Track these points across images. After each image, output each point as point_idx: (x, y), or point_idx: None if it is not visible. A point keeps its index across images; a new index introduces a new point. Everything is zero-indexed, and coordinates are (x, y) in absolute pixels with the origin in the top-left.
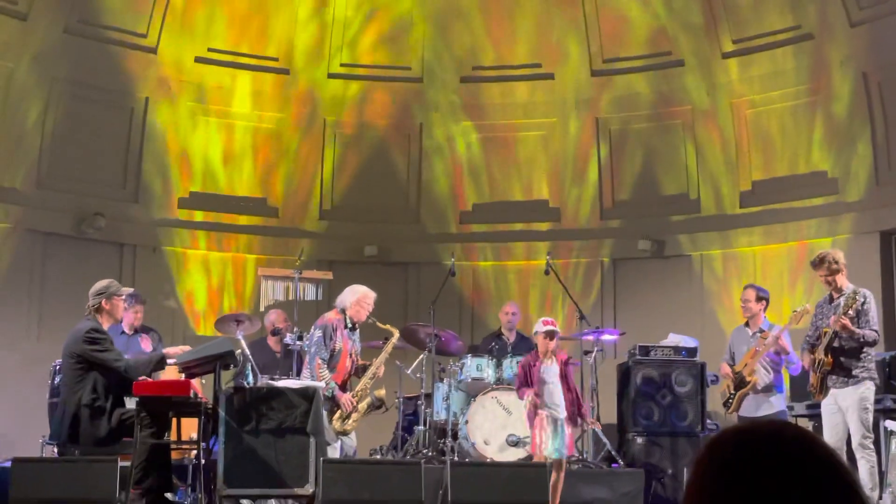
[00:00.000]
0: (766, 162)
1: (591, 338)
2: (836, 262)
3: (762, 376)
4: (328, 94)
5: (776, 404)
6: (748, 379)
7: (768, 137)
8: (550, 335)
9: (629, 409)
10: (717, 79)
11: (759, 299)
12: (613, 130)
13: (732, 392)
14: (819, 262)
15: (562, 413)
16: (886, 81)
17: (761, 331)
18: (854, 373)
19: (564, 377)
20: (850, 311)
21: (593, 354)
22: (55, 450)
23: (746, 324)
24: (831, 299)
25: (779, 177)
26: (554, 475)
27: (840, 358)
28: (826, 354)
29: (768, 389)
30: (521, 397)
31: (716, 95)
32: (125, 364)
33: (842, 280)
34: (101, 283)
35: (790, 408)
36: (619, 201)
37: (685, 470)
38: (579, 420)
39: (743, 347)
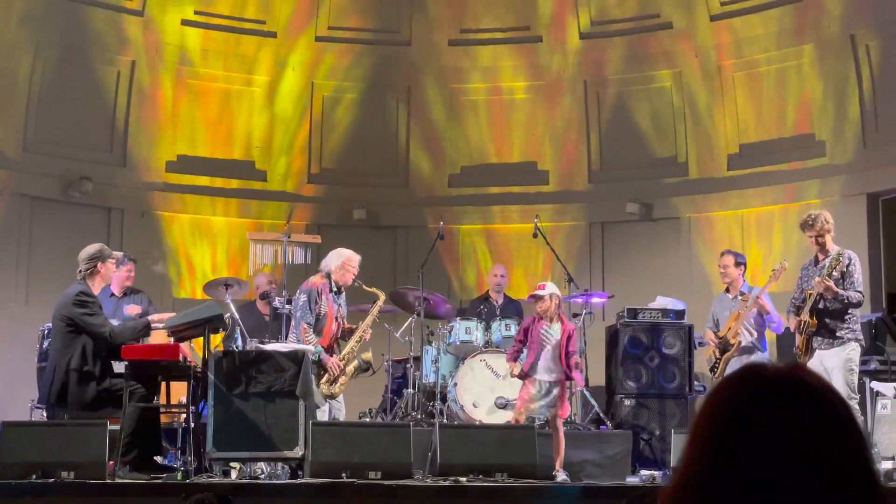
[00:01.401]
0: (754, 124)
1: (579, 300)
2: (828, 223)
3: (745, 337)
4: (316, 57)
5: None
6: (732, 342)
7: (756, 100)
8: (537, 298)
9: (617, 371)
10: (706, 41)
11: (737, 264)
12: (602, 93)
13: (718, 357)
14: (812, 223)
15: (552, 377)
16: (875, 44)
17: (742, 294)
18: (839, 334)
19: (567, 342)
20: (835, 273)
21: (581, 317)
22: (44, 413)
23: (727, 289)
24: (816, 261)
25: (766, 140)
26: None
27: (825, 319)
28: (811, 316)
29: (750, 350)
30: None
31: (704, 58)
32: (110, 330)
33: (829, 242)
34: (92, 248)
35: None
36: (607, 164)
37: (673, 431)
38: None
39: (725, 313)
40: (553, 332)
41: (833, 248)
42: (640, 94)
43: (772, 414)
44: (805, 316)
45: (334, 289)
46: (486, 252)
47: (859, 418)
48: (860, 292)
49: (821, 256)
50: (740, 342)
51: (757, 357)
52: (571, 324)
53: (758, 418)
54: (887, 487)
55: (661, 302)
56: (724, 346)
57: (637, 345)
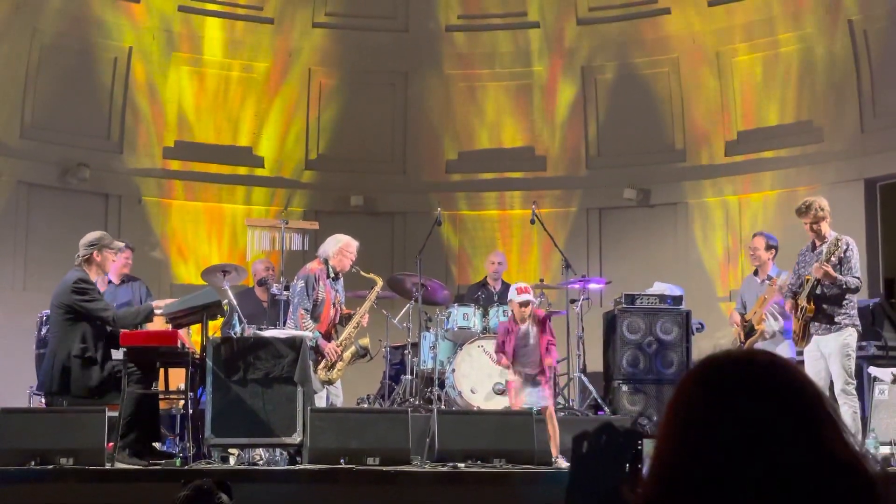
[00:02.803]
0: (752, 110)
1: (576, 286)
2: (822, 210)
3: (770, 323)
4: (313, 43)
5: (784, 352)
6: (757, 327)
7: (754, 86)
8: (525, 304)
9: (615, 357)
10: (703, 27)
11: (768, 248)
12: (599, 79)
13: (742, 341)
14: (805, 210)
15: (535, 369)
16: (873, 29)
17: (769, 278)
18: (836, 319)
19: (543, 332)
20: (833, 258)
21: (579, 303)
22: (42, 400)
23: (755, 272)
24: (814, 247)
25: (764, 126)
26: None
27: (822, 305)
28: (809, 301)
29: (776, 336)
30: (497, 363)
31: (701, 44)
32: (112, 314)
33: (826, 228)
34: (93, 235)
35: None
36: (604, 150)
37: None
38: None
39: (753, 296)
40: (530, 334)
41: (830, 233)
42: (638, 80)
43: (731, 408)
44: (803, 301)
45: (332, 275)
46: (483, 238)
47: (853, 406)
48: (858, 278)
49: (818, 242)
50: (765, 328)
51: (782, 345)
52: (542, 311)
53: (720, 415)
54: (878, 469)
55: (659, 288)
56: (748, 331)
57: (635, 330)
